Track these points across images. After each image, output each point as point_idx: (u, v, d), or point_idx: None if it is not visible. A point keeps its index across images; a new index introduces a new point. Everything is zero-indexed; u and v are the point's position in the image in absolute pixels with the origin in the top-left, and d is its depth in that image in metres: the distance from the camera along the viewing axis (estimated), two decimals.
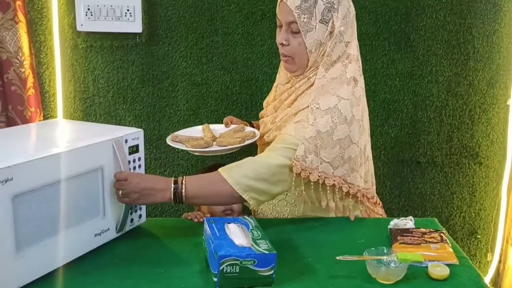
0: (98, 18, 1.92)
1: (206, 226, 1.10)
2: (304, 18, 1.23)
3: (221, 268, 0.96)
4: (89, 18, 1.93)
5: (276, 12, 1.31)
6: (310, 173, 1.22)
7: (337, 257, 1.06)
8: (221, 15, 1.97)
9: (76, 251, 1.09)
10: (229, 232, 1.05)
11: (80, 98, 2.02)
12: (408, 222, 1.27)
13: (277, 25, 1.31)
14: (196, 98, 2.03)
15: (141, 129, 1.25)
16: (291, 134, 1.24)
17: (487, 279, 2.10)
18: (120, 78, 2.01)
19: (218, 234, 1.04)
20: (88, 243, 1.12)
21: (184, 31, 1.98)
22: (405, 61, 2.01)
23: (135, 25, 1.94)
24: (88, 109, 2.02)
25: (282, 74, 1.41)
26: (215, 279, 0.98)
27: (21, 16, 1.85)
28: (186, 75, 2.01)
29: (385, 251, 1.07)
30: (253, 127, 1.53)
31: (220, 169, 1.20)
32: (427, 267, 1.07)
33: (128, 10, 1.93)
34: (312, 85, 1.29)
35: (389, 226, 1.26)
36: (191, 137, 1.43)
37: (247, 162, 1.22)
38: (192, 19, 1.98)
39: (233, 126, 1.51)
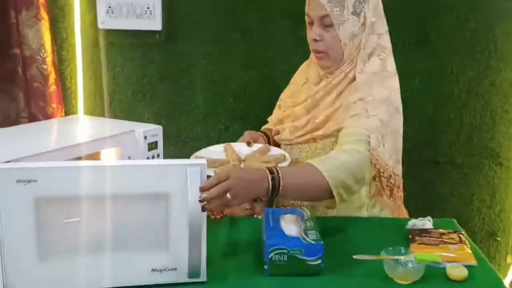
0: (119, 16, 1.95)
1: (264, 217, 1.15)
2: (336, 10, 1.25)
3: (270, 256, 1.02)
4: (110, 16, 1.95)
5: (306, 10, 1.31)
6: (384, 166, 1.24)
7: (354, 256, 1.06)
8: (240, 12, 1.98)
9: (120, 279, 0.96)
10: (283, 223, 1.10)
11: (100, 95, 2.05)
12: (426, 223, 1.26)
13: (307, 22, 1.31)
14: (214, 95, 2.04)
15: (160, 126, 1.27)
16: (357, 125, 1.24)
17: (507, 282, 2.07)
18: (139, 75, 2.03)
19: (271, 225, 1.10)
20: (140, 276, 0.97)
21: (203, 29, 1.99)
22: (425, 60, 1.98)
23: (155, 23, 1.96)
24: (108, 106, 2.05)
25: (311, 73, 1.40)
26: (266, 267, 1.03)
27: (43, 14, 1.89)
28: (205, 73, 2.02)
29: (402, 251, 1.07)
30: (269, 137, 1.50)
31: (311, 162, 1.17)
32: (445, 268, 1.06)
33: (148, 7, 1.95)
34: (352, 80, 1.30)
35: (407, 226, 1.25)
36: (216, 160, 1.34)
37: (336, 156, 1.18)
38: (211, 17, 1.99)
39: (256, 145, 1.43)
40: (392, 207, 1.36)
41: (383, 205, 1.37)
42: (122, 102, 2.05)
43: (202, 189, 0.96)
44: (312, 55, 1.40)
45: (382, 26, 1.30)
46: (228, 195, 1.02)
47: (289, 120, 1.44)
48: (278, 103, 1.54)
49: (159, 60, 2.02)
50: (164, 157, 1.28)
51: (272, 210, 1.18)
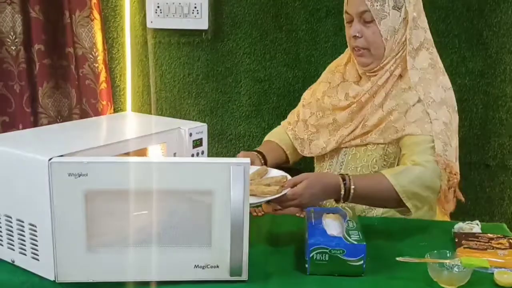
0: (167, 16, 1.99)
1: (306, 216, 1.16)
2: (377, 5, 1.23)
3: (311, 255, 1.02)
4: (158, 15, 1.99)
5: (345, 7, 1.30)
6: (452, 166, 1.22)
7: (397, 258, 1.04)
8: (285, 11, 1.98)
9: (163, 274, 0.97)
10: (325, 222, 1.11)
11: (148, 93, 2.10)
12: (474, 227, 1.22)
13: (346, 21, 1.30)
14: (259, 94, 2.04)
15: (205, 124, 1.28)
16: (422, 133, 1.23)
17: None
18: (185, 74, 2.06)
19: (314, 223, 1.10)
20: (183, 271, 0.98)
21: (249, 28, 2.00)
22: (476, 59, 1.92)
23: (202, 22, 1.98)
24: (155, 103, 2.09)
25: (351, 72, 1.37)
26: (306, 266, 1.03)
27: (96, 14, 1.95)
28: (249, 72, 2.03)
29: (448, 254, 1.04)
30: (265, 157, 1.41)
31: (385, 173, 1.19)
32: (493, 273, 1.03)
33: (195, 7, 1.98)
34: (399, 78, 1.27)
35: (453, 230, 1.21)
36: None
37: (409, 170, 1.20)
38: (257, 16, 1.99)
39: (252, 168, 1.32)
40: (445, 207, 1.32)
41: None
42: (169, 100, 2.09)
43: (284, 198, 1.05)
44: (345, 54, 1.39)
45: (424, 21, 1.28)
46: (300, 198, 1.09)
47: (328, 126, 1.40)
48: (301, 102, 1.53)
49: (205, 59, 2.04)
50: (208, 155, 1.30)
51: (314, 209, 1.18)
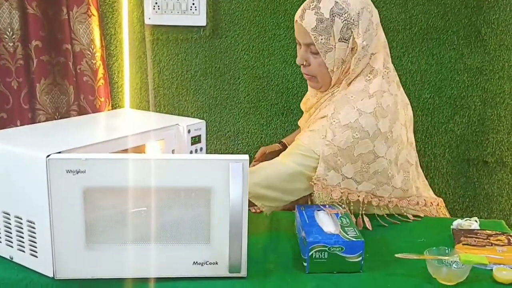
0: (165, 12, 1.98)
1: (297, 213, 1.16)
2: (321, 39, 1.21)
3: (310, 253, 1.01)
4: (156, 12, 1.99)
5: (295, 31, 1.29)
6: (332, 190, 1.22)
7: (396, 255, 1.04)
8: (284, 8, 1.97)
9: (162, 270, 0.98)
10: (319, 220, 1.11)
11: (146, 89, 2.09)
12: (472, 223, 1.22)
13: (297, 43, 1.30)
14: (257, 91, 2.04)
15: (203, 120, 1.28)
16: (305, 143, 1.23)
17: None
18: (184, 70, 2.06)
19: (308, 221, 1.10)
20: (181, 268, 0.98)
21: (247, 24, 2.00)
22: (474, 56, 1.92)
23: (200, 19, 1.98)
24: (153, 100, 2.09)
25: (310, 88, 1.40)
26: (305, 264, 1.03)
27: (93, 10, 1.94)
28: (248, 68, 2.03)
29: (447, 251, 1.04)
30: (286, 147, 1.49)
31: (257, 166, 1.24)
32: (491, 270, 1.03)
33: (193, 3, 1.97)
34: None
35: (452, 227, 1.21)
36: None
37: (260, 169, 1.23)
38: (255, 12, 1.99)
39: None
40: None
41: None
42: (167, 97, 2.08)
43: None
44: None
45: (376, 45, 1.25)
46: None
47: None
48: None
49: (203, 56, 2.04)
50: (207, 152, 1.29)
51: (304, 206, 1.19)
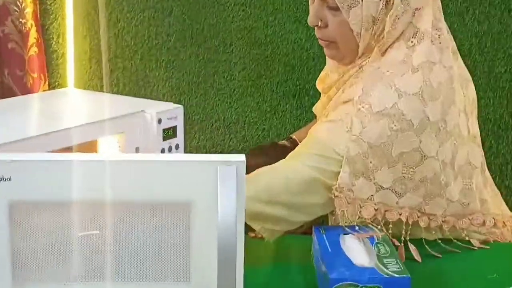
0: None
1: (315, 238, 1.15)
2: None
3: None
4: None
5: None
6: (361, 207, 1.22)
7: None
8: None
9: None
10: (346, 247, 1.11)
11: (98, 61, 2.09)
12: None
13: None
14: (257, 63, 2.04)
15: (180, 105, 1.28)
16: (322, 138, 1.24)
17: None
18: (152, 34, 2.05)
19: (330, 250, 1.10)
20: None
21: None
22: None
23: None
24: (108, 76, 2.08)
25: (328, 60, 1.40)
26: None
27: None
28: (244, 30, 2.03)
29: None
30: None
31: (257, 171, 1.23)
32: None
33: None
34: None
35: None
36: None
37: (257, 177, 1.22)
38: None
39: None
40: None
41: None
42: (128, 72, 2.08)
43: None
44: None
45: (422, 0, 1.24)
46: None
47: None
48: None
49: (180, 13, 2.03)
50: (186, 150, 1.29)
51: (325, 228, 1.19)
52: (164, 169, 0.96)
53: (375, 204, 1.22)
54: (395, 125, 1.19)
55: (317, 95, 1.50)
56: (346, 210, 1.23)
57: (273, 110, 2.07)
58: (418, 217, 1.25)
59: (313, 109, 1.50)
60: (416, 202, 1.24)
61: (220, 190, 0.94)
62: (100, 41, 2.08)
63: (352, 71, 1.30)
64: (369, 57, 1.28)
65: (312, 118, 1.65)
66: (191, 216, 0.96)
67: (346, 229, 1.19)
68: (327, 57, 1.40)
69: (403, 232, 1.25)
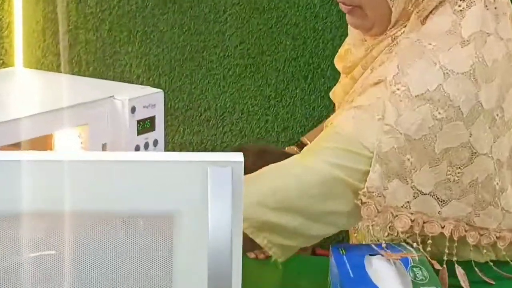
0: None
1: (332, 259, 1.17)
2: None
3: None
4: None
5: None
6: (395, 216, 1.22)
7: None
8: None
9: None
10: (372, 271, 1.12)
11: (54, 33, 2.09)
12: None
13: None
14: (259, 35, 2.05)
15: (159, 90, 1.28)
16: (346, 130, 1.25)
17: None
18: None
19: (352, 275, 1.11)
20: None
21: None
22: None
23: None
24: (67, 52, 2.09)
25: (353, 31, 1.41)
26: None
27: None
28: None
29: None
30: None
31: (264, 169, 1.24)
32: None
33: None
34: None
35: None
36: None
37: (262, 177, 1.23)
38: None
39: None
40: None
41: None
42: (92, 46, 2.08)
43: None
44: None
45: None
46: None
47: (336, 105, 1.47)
48: None
49: None
50: (167, 147, 1.29)
51: (346, 247, 1.20)
52: (140, 172, 0.96)
53: (411, 213, 1.23)
54: (439, 113, 1.20)
55: (336, 77, 1.51)
56: (374, 221, 1.23)
57: (279, 96, 2.07)
58: (466, 231, 1.25)
59: (331, 94, 1.50)
60: (464, 212, 1.25)
61: (211, 198, 0.95)
62: (56, 7, 2.08)
63: (382, 44, 1.31)
64: (405, 26, 1.29)
65: (329, 106, 1.66)
66: (175, 231, 0.97)
67: (374, 247, 1.19)
68: (349, 27, 1.42)
69: (446, 251, 1.25)
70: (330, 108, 1.63)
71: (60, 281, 0.98)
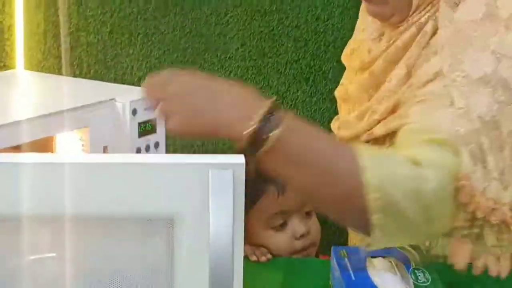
0: None
1: (333, 262, 1.16)
2: None
3: None
4: None
5: None
6: (478, 203, 1.19)
7: None
8: None
9: None
10: (374, 274, 1.12)
11: (55, 35, 2.09)
12: None
13: None
14: (260, 37, 2.05)
15: None
16: (420, 121, 1.23)
17: None
18: (125, 0, 2.06)
19: (354, 278, 1.11)
20: None
21: None
22: None
23: None
24: (68, 55, 2.08)
25: (368, 20, 1.40)
26: None
27: None
28: None
29: None
30: None
31: (357, 147, 1.17)
32: None
33: None
34: (432, 36, 1.29)
35: None
36: None
37: (400, 160, 1.15)
38: None
39: None
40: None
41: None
42: (94, 48, 2.08)
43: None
44: None
45: None
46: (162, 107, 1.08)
47: (345, 102, 1.45)
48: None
49: None
50: (169, 149, 1.29)
51: (348, 250, 1.19)
52: (141, 174, 0.96)
53: (486, 199, 1.20)
54: (499, 95, 1.21)
55: (337, 78, 1.50)
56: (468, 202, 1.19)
57: (280, 99, 2.07)
58: None
59: (337, 92, 1.49)
60: None
61: (212, 201, 0.94)
62: (57, 9, 2.08)
63: (407, 34, 1.30)
64: (427, 12, 1.29)
65: (331, 108, 1.65)
66: (175, 234, 0.96)
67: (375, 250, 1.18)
68: (358, 25, 1.42)
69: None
70: (331, 110, 1.63)
71: (61, 284, 0.98)
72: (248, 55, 2.06)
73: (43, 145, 1.19)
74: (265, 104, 1.07)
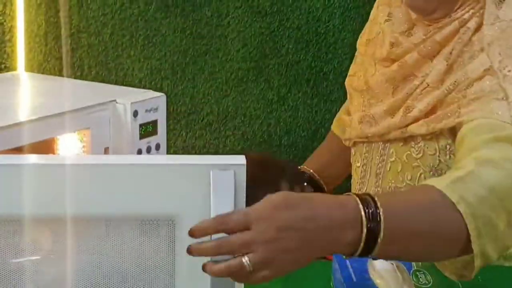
0: None
1: (335, 263, 1.16)
2: None
3: None
4: None
5: None
6: None
7: None
8: None
9: None
10: (375, 275, 1.11)
11: (56, 37, 2.09)
12: None
13: None
14: (260, 38, 2.05)
15: (161, 94, 1.28)
16: (491, 114, 1.22)
17: None
18: (125, 1, 2.06)
19: (355, 279, 1.11)
20: None
21: None
22: None
23: None
24: (69, 57, 2.08)
25: (398, 11, 1.38)
26: None
27: None
28: None
29: None
30: (313, 180, 1.49)
31: (431, 182, 1.10)
32: None
33: None
34: (475, 33, 1.29)
35: None
36: None
37: (477, 172, 1.11)
38: None
39: None
40: None
41: None
42: (95, 50, 2.08)
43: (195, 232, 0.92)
44: None
45: None
46: (246, 259, 0.92)
47: (362, 94, 1.44)
48: (356, 53, 1.54)
49: None
50: (169, 151, 1.29)
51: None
52: (142, 175, 0.96)
53: None
54: None
55: (339, 80, 1.51)
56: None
57: (281, 100, 2.07)
58: None
59: (350, 83, 1.48)
60: None
61: (213, 201, 0.95)
62: (58, 11, 2.08)
63: (448, 29, 1.30)
64: (472, 8, 1.29)
65: (332, 109, 1.65)
66: (177, 235, 0.96)
67: None
68: (377, 13, 1.41)
69: None
70: (332, 112, 1.63)
71: (62, 284, 0.98)
72: (249, 56, 2.06)
73: (45, 146, 1.19)
74: (351, 205, 0.96)
